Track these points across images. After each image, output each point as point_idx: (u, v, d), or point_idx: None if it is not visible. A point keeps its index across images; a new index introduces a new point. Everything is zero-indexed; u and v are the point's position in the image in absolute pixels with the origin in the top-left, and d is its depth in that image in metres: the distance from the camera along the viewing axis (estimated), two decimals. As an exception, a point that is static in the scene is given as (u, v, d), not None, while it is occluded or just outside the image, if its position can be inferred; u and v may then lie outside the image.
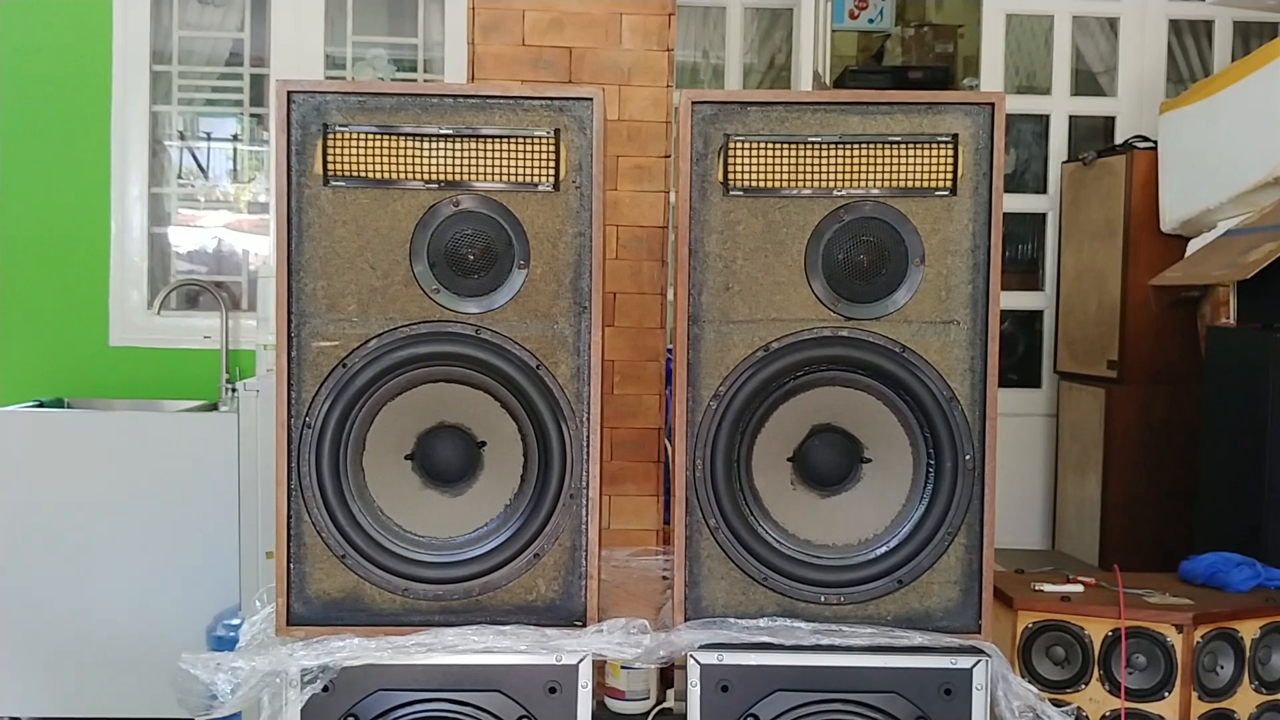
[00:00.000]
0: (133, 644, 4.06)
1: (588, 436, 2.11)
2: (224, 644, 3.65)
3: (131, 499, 4.11)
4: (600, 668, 2.55)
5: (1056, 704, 2.49)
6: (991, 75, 4.88)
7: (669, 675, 2.59)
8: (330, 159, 2.07)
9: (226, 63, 4.87)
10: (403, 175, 2.08)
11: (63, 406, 4.49)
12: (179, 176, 4.90)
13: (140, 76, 4.69)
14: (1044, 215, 4.91)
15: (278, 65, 4.71)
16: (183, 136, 4.92)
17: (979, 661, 2.10)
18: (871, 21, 5.70)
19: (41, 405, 4.41)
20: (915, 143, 2.09)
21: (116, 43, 4.65)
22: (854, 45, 6.41)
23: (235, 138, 5.00)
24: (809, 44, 4.83)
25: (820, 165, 2.09)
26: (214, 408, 4.51)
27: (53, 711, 4.13)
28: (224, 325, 4.59)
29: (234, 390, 4.20)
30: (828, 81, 5.02)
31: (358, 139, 2.07)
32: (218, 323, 4.61)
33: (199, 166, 4.96)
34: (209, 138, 5.00)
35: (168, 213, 4.87)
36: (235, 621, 3.62)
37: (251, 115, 4.93)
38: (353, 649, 2.04)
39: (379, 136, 2.08)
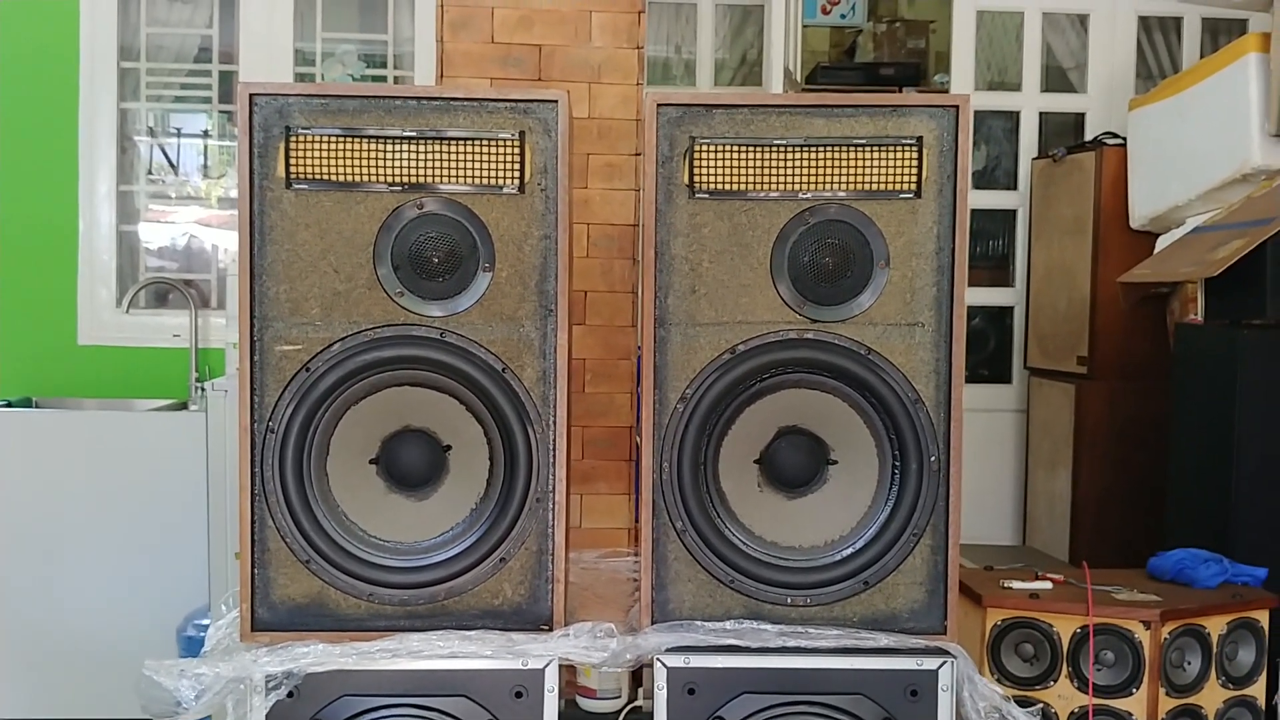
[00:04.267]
0: (102, 644, 4.03)
1: (554, 440, 2.11)
2: (194, 644, 3.63)
3: (101, 499, 4.08)
4: (571, 667, 2.55)
5: (1025, 701, 2.52)
6: (962, 71, 4.89)
7: (641, 673, 2.59)
8: (293, 162, 2.06)
9: (195, 59, 4.83)
10: (366, 178, 2.07)
11: (31, 406, 4.46)
12: (149, 173, 4.87)
13: (108, 73, 4.64)
14: (1014, 212, 4.92)
15: (247, 62, 4.68)
16: (152, 133, 4.88)
17: (945, 663, 2.11)
18: (843, 17, 5.71)
19: (10, 405, 4.37)
20: (880, 145, 2.09)
21: (84, 39, 4.61)
22: (826, 40, 6.42)
23: (205, 134, 4.97)
24: (780, 40, 4.83)
25: (786, 168, 2.09)
26: (184, 407, 4.48)
27: (21, 712, 4.10)
28: (193, 324, 4.57)
29: (203, 389, 4.18)
30: (799, 78, 5.02)
31: (321, 141, 2.06)
32: (187, 321, 4.59)
33: (169, 162, 4.93)
34: (179, 134, 4.96)
35: (137, 209, 4.84)
36: (205, 621, 3.60)
37: (221, 112, 4.89)
38: (317, 655, 2.03)
39: (342, 139, 2.06)
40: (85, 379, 4.62)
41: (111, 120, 4.66)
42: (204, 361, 4.60)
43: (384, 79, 4.87)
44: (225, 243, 4.89)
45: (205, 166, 4.97)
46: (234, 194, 4.77)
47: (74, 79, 4.61)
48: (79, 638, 4.07)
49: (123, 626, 4.03)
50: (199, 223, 4.95)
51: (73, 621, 4.07)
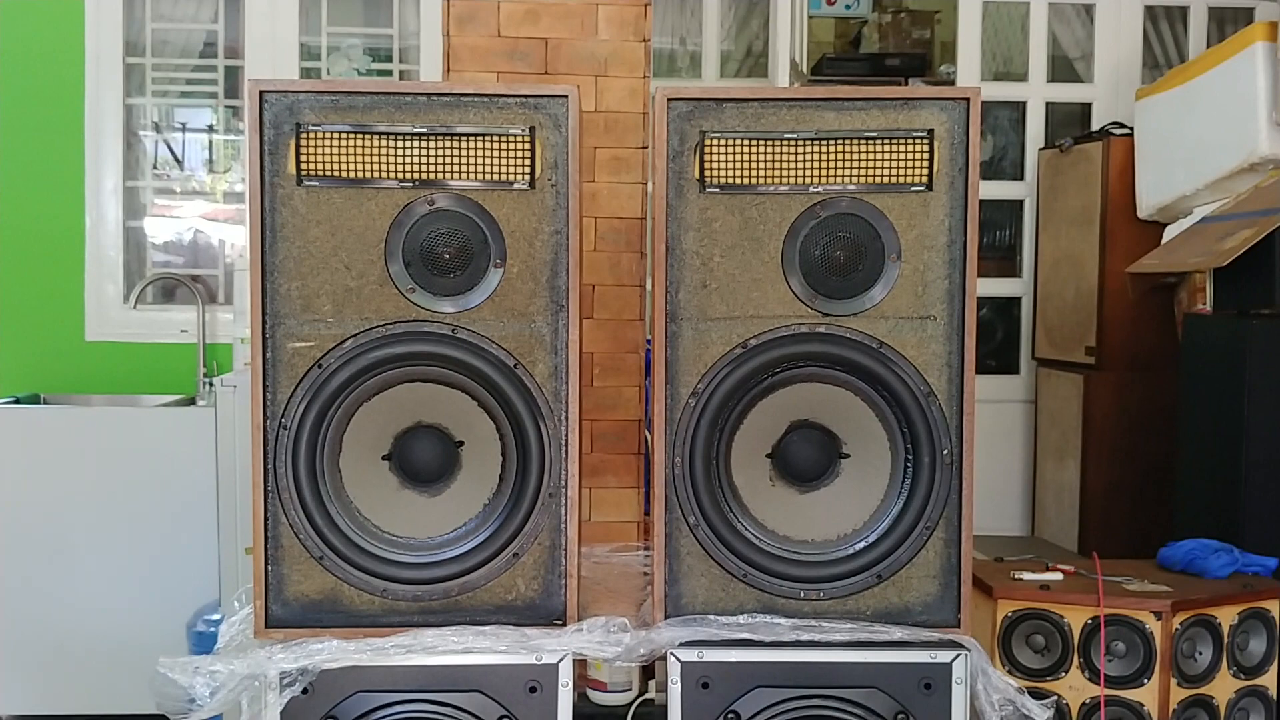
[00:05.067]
0: (112, 640, 4.04)
1: (566, 435, 2.11)
2: (204, 639, 3.64)
3: (110, 495, 4.08)
4: (582, 660, 2.56)
5: (1037, 693, 2.52)
6: (968, 62, 4.88)
7: (651, 666, 2.59)
8: (303, 159, 2.06)
9: (200, 54, 4.83)
10: (377, 174, 2.07)
11: (39, 403, 4.46)
12: (155, 168, 4.86)
13: (113, 69, 4.65)
14: (1021, 202, 4.91)
15: (252, 57, 4.68)
16: (158, 128, 4.88)
17: (958, 656, 2.11)
18: (848, 7, 5.68)
19: (18, 401, 4.37)
20: (891, 138, 2.09)
21: (89, 35, 4.61)
22: (831, 31, 6.39)
23: (210, 128, 4.96)
24: (786, 31, 4.81)
25: (796, 161, 2.09)
26: (192, 402, 4.48)
27: (31, 708, 4.11)
28: (201, 319, 4.57)
29: (211, 385, 4.18)
30: (805, 69, 5.01)
31: (331, 138, 2.06)
32: (195, 316, 4.59)
33: (174, 157, 4.92)
34: (184, 128, 4.96)
35: (143, 204, 4.84)
36: (215, 617, 3.61)
37: (226, 106, 4.89)
38: (332, 651, 2.03)
39: (353, 136, 2.06)
40: (93, 375, 4.62)
41: (117, 116, 4.67)
42: (212, 357, 4.60)
43: (389, 73, 4.87)
44: (232, 237, 4.90)
45: (210, 161, 4.96)
46: (239, 188, 4.78)
47: (79, 75, 4.61)
48: (88, 633, 4.08)
49: (132, 622, 4.04)
50: (205, 217, 4.96)
51: (82, 617, 4.08)
